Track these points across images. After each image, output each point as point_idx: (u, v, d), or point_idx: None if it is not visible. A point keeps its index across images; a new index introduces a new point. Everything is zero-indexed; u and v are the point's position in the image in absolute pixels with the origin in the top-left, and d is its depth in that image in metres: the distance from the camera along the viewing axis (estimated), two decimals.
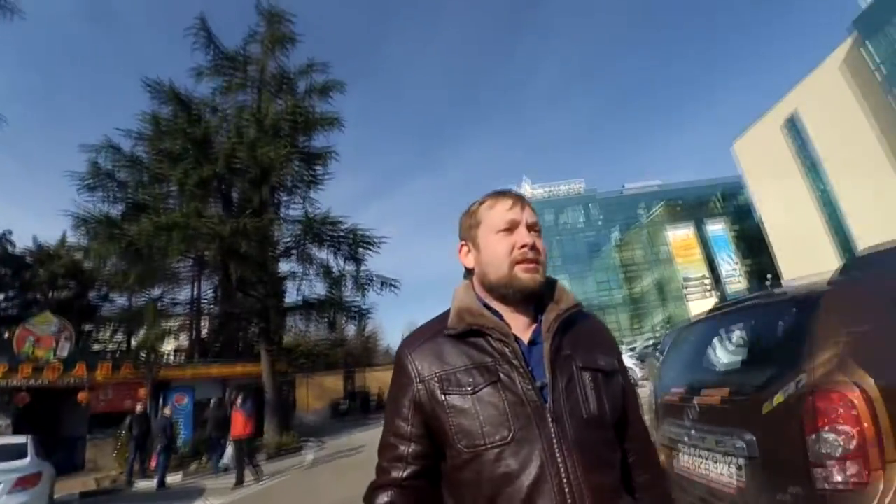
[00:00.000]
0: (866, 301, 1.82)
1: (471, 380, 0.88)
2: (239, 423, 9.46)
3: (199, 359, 19.71)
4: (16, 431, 12.47)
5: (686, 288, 47.92)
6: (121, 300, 25.11)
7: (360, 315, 16.38)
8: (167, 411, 11.11)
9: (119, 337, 27.43)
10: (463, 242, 1.05)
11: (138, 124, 14.11)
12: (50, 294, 25.69)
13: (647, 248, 51.38)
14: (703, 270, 49.03)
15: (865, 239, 32.55)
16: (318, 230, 14.36)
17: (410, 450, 0.91)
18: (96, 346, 21.91)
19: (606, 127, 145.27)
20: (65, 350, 13.56)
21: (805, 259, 38.09)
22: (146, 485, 10.31)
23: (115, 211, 16.05)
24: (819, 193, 36.95)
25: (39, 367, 13.01)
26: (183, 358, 23.63)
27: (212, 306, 20.40)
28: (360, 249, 14.71)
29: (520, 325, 0.95)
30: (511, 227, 0.96)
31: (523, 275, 0.93)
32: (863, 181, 31.54)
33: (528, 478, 0.81)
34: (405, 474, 0.90)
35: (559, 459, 0.82)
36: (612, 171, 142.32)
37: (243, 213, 12.20)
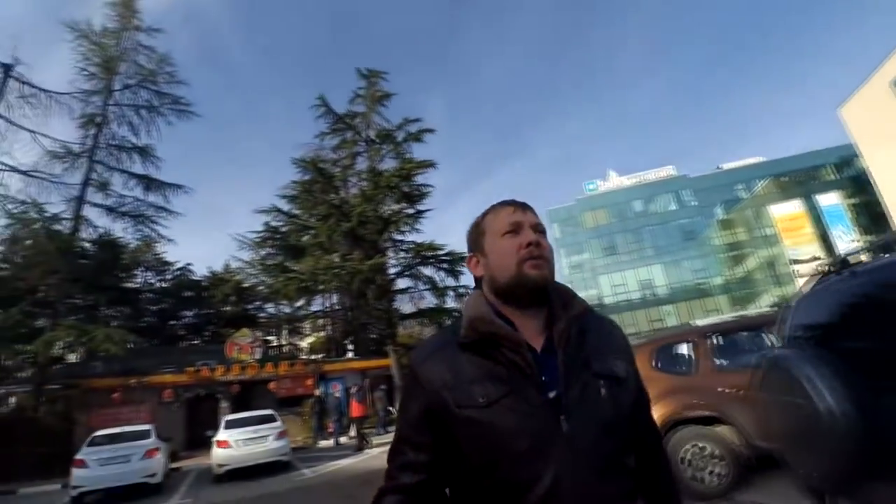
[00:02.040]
0: (639, 356, 5.01)
1: (484, 391, 0.88)
2: (355, 408, 13.63)
3: (335, 356, 25.01)
4: (232, 412, 18.18)
5: (796, 268, 45.67)
6: (271, 309, 32.14)
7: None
8: (337, 394, 15.93)
9: (270, 337, 34.32)
10: (472, 254, 1.09)
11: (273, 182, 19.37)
12: (222, 308, 32.83)
13: (749, 228, 49.40)
14: (815, 248, 46.24)
15: None
16: (424, 255, 18.47)
17: (420, 458, 0.92)
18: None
19: (694, 108, 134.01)
20: (258, 353, 19.17)
21: None
22: (326, 443, 15.16)
23: (273, 252, 21.62)
24: None
25: (244, 366, 18.66)
26: (315, 354, 29.56)
27: (349, 312, 25.52)
28: (457, 268, 18.61)
29: (532, 333, 0.95)
30: (515, 229, 0.99)
31: (531, 271, 0.94)
32: None
33: (541, 489, 0.81)
34: (413, 481, 0.92)
35: (574, 473, 0.82)
36: (702, 155, 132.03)
37: (373, 250, 16.72)
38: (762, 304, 46.79)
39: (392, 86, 22.76)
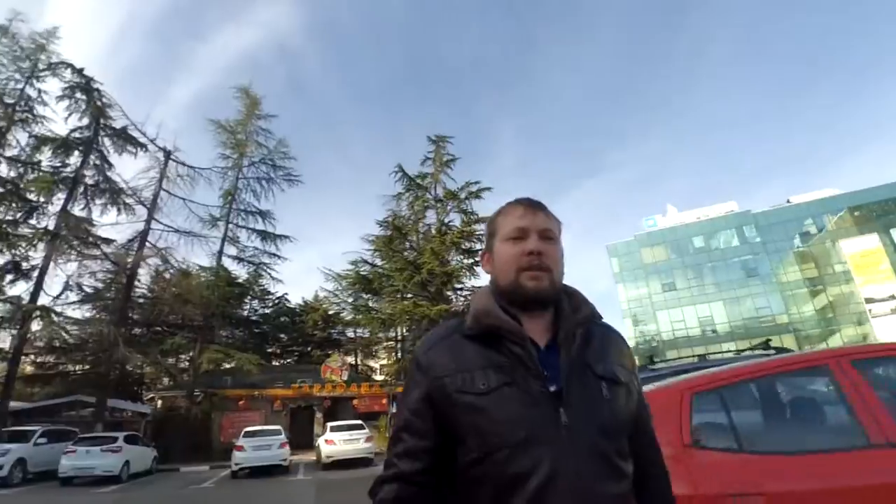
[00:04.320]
0: None
1: (485, 380, 0.90)
2: None
3: (404, 379, 29.17)
4: (324, 421, 22.75)
5: (870, 307, 44.17)
6: (350, 334, 37.36)
7: None
8: None
9: (348, 357, 39.32)
10: (484, 251, 1.11)
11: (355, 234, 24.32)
12: (312, 333, 38.34)
13: (818, 265, 48.25)
14: (894, 286, 44.44)
15: None
16: None
17: (419, 445, 0.93)
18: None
19: (759, 143, 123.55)
20: (345, 375, 23.82)
21: None
22: None
23: (356, 289, 26.51)
24: None
25: (334, 385, 23.32)
26: (387, 376, 34.08)
27: (416, 342, 29.84)
28: None
29: (537, 330, 0.97)
30: (521, 235, 0.99)
31: (528, 282, 0.96)
32: None
33: (537, 480, 0.82)
34: (412, 469, 0.92)
35: (571, 465, 0.83)
36: (768, 185, 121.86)
37: (438, 296, 20.90)
38: (832, 345, 45.43)
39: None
